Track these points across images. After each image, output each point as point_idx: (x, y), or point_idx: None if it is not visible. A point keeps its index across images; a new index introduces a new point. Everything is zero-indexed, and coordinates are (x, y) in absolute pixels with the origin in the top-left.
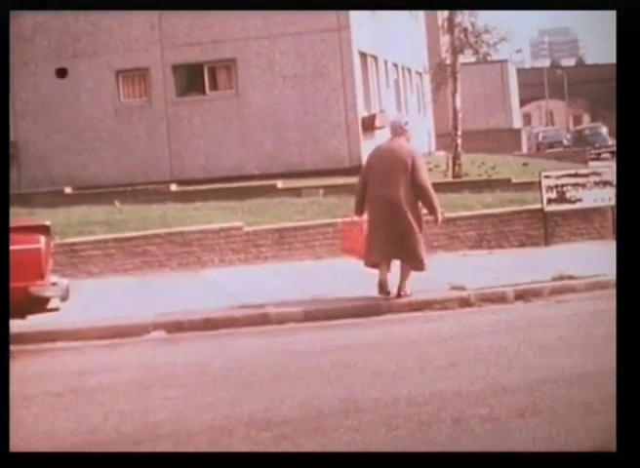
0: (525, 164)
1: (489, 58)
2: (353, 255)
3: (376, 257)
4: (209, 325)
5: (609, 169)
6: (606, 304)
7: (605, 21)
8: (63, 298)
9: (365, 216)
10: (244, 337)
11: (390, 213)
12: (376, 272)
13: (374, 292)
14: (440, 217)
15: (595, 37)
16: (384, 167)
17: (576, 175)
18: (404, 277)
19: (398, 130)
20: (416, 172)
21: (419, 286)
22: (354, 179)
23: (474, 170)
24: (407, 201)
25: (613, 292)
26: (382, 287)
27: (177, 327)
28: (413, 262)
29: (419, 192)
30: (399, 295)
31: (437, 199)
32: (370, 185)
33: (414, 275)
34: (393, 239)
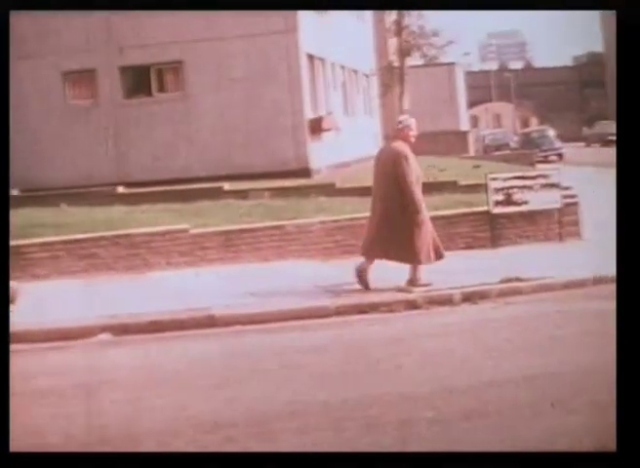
0: (477, 166)
1: (437, 61)
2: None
3: (364, 251)
4: (155, 327)
5: (556, 171)
6: (552, 306)
7: (554, 24)
8: (11, 301)
9: None
10: (190, 340)
11: (381, 211)
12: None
13: (320, 294)
14: (423, 219)
15: (544, 40)
16: (379, 167)
17: (522, 178)
18: (412, 270)
19: (395, 131)
20: (399, 173)
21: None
22: (301, 182)
23: (423, 172)
24: (394, 199)
25: (559, 294)
26: (362, 280)
27: (123, 329)
28: (406, 257)
29: (402, 192)
30: (414, 285)
31: (418, 199)
32: (374, 185)
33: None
34: (384, 234)
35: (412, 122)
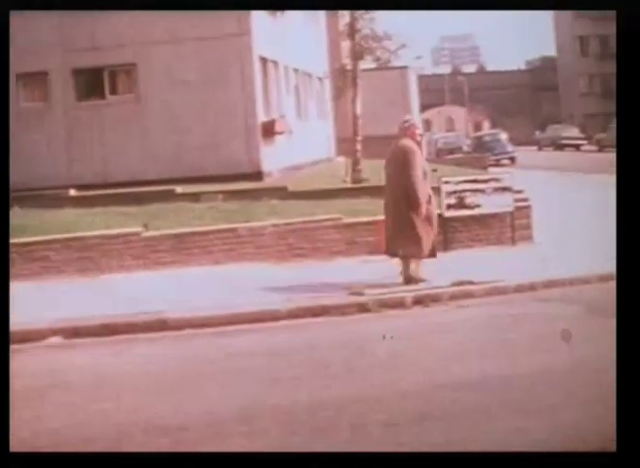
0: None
1: (390, 65)
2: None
3: (388, 249)
4: (106, 330)
5: (508, 175)
6: (504, 309)
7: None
8: None
9: None
10: (142, 343)
11: (392, 206)
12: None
13: (273, 297)
14: (422, 212)
15: (497, 44)
16: (389, 164)
17: (475, 182)
18: (415, 265)
19: (400, 130)
20: (406, 167)
21: (317, 291)
22: (253, 185)
23: (374, 175)
24: (403, 194)
25: (511, 297)
26: (406, 279)
27: (74, 332)
28: (413, 251)
29: (406, 184)
30: (411, 281)
31: (421, 195)
32: (385, 182)
33: (313, 281)
34: (396, 230)
35: (416, 121)
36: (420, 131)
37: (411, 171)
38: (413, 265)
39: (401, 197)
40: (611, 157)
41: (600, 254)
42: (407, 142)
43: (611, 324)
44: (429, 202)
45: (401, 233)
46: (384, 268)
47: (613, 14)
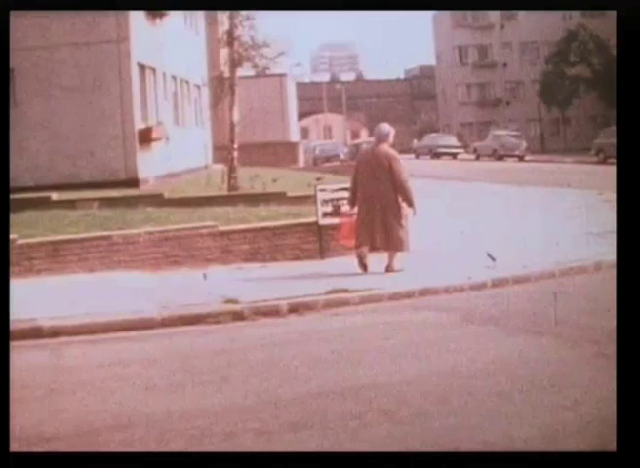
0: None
1: (268, 72)
2: (348, 243)
3: (361, 242)
4: None
5: None
6: (379, 317)
7: (386, 37)
8: None
9: (355, 209)
10: (15, 352)
11: (374, 206)
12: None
13: (147, 304)
14: (416, 210)
15: (376, 52)
16: (370, 168)
17: None
18: (391, 258)
19: (381, 137)
20: (395, 172)
21: (192, 299)
22: (129, 192)
23: (251, 183)
24: (387, 195)
25: (386, 305)
26: (362, 265)
27: None
28: (394, 245)
29: (398, 188)
30: (390, 271)
31: (413, 194)
32: (359, 184)
33: (189, 288)
34: (377, 227)
35: (390, 128)
36: (391, 138)
37: (402, 175)
38: (394, 258)
39: (390, 198)
40: (489, 165)
41: (474, 263)
42: (389, 149)
43: (484, 331)
44: None
45: (390, 229)
46: (260, 275)
47: (494, 22)
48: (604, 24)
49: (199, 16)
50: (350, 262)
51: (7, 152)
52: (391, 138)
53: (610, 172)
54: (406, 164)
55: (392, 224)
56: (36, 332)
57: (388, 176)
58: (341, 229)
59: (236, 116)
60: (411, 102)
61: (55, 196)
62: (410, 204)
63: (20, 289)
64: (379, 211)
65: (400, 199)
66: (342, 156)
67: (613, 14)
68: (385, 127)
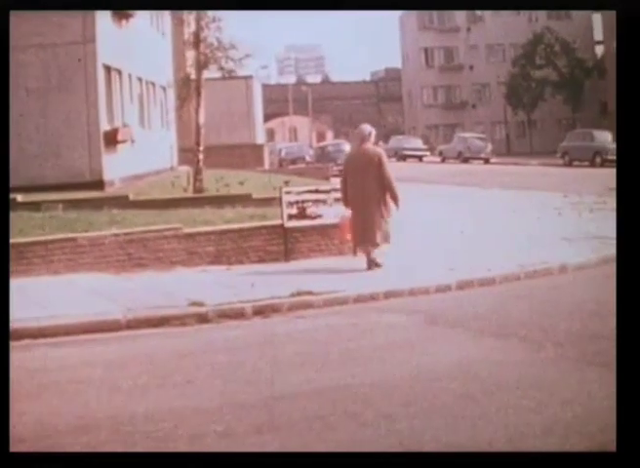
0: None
1: (234, 74)
2: (347, 242)
3: (359, 239)
4: None
5: None
6: (344, 320)
7: (353, 39)
8: None
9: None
10: None
11: (364, 201)
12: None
13: (112, 307)
14: (399, 204)
15: (343, 54)
16: (358, 166)
17: (316, 192)
18: (371, 253)
19: (366, 137)
20: (382, 168)
21: (156, 302)
22: (94, 194)
23: (217, 185)
24: (375, 192)
25: (351, 307)
26: (370, 263)
27: None
28: (381, 238)
29: (385, 184)
30: (373, 266)
31: (398, 189)
32: (349, 182)
33: (153, 291)
34: (367, 222)
35: (370, 128)
36: (373, 138)
37: (389, 171)
38: (376, 252)
39: (378, 194)
40: (454, 168)
41: (439, 265)
42: (374, 147)
43: (449, 333)
44: None
45: (376, 225)
46: (225, 277)
47: (460, 25)
48: (570, 27)
49: (165, 17)
50: (316, 265)
51: (7, 152)
52: (373, 138)
53: (574, 174)
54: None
55: (380, 219)
56: None
57: (376, 174)
58: (342, 232)
59: (202, 118)
60: (377, 105)
61: (20, 198)
62: (395, 198)
63: None
64: (368, 207)
65: (388, 195)
66: (308, 158)
67: (578, 17)
68: (367, 127)
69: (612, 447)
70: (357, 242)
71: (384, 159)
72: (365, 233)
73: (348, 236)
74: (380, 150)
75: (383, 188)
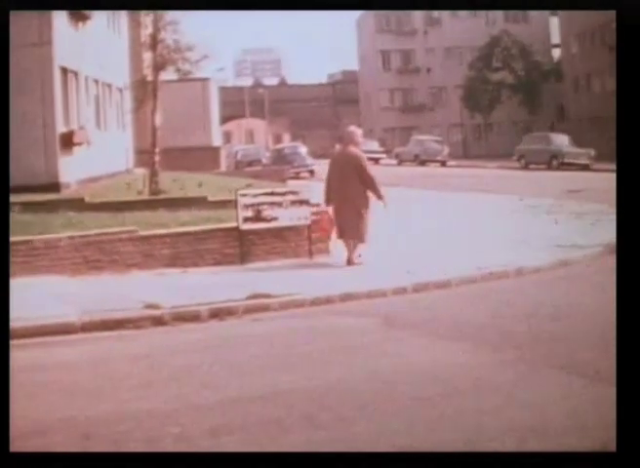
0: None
1: (191, 76)
2: (325, 236)
3: (343, 235)
4: None
5: (306, 188)
6: (300, 323)
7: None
8: None
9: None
10: None
11: (346, 200)
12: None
13: (67, 310)
14: (386, 202)
15: (300, 57)
16: (340, 167)
17: (272, 194)
18: (352, 250)
19: (348, 139)
20: (363, 169)
21: (112, 304)
22: (50, 196)
23: (172, 187)
24: (357, 191)
25: (308, 310)
26: (349, 260)
27: None
28: (360, 235)
29: (367, 184)
30: (351, 263)
31: (382, 187)
32: (332, 182)
33: (109, 294)
34: (347, 220)
35: (358, 130)
36: (359, 138)
37: (370, 173)
38: (356, 250)
39: (360, 194)
40: (411, 171)
41: (396, 267)
42: (356, 150)
43: (405, 336)
44: None
45: (359, 223)
46: (181, 280)
47: (418, 28)
48: (527, 30)
49: (122, 19)
50: (272, 268)
51: (7, 152)
52: (358, 138)
53: (530, 177)
54: (327, 168)
55: (360, 218)
56: None
57: (357, 175)
58: (315, 226)
59: (158, 120)
60: (334, 107)
61: None
62: (379, 197)
63: None
64: (349, 206)
65: (369, 193)
66: (264, 160)
67: (535, 20)
68: (352, 128)
69: (555, 448)
70: (339, 235)
71: (365, 161)
72: (349, 229)
73: (320, 229)
74: (361, 153)
75: (365, 189)
